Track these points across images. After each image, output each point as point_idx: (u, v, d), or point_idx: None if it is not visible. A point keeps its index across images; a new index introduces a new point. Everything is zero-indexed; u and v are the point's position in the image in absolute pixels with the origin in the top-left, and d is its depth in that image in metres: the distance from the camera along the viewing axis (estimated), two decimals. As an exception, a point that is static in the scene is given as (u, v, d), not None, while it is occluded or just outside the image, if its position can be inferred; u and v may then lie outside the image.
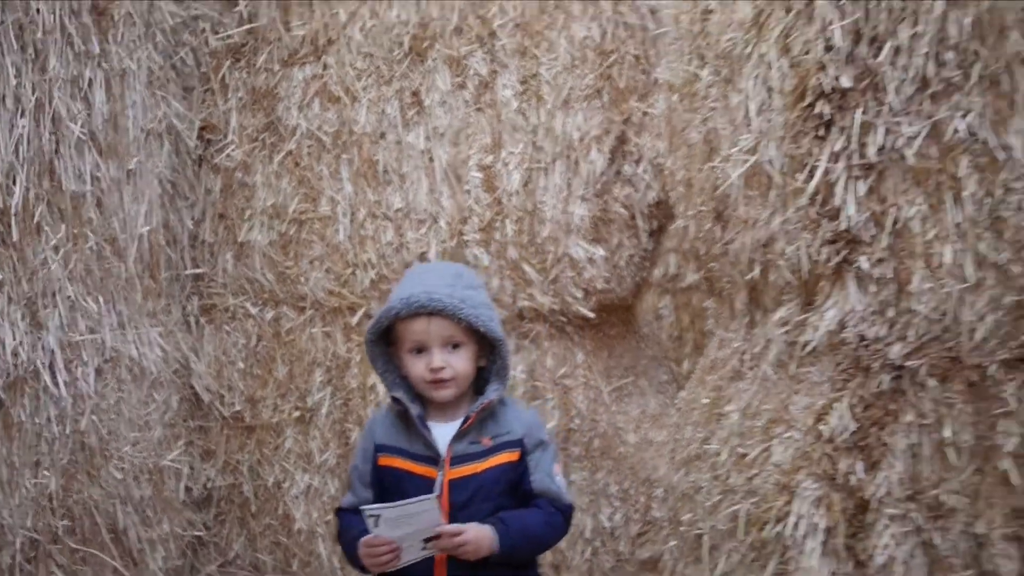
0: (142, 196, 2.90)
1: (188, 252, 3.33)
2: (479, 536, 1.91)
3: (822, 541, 2.06)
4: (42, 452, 2.18)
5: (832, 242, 2.07)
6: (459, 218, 3.30)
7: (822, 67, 2.01)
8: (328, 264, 3.28)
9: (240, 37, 3.34)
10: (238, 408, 3.32)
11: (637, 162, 3.38)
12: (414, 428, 2.03)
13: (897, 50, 1.96)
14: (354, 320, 3.31)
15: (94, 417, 2.45)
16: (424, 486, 1.96)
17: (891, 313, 2.02)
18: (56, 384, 2.24)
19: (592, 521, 3.35)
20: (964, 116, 1.97)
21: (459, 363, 2.00)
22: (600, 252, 3.35)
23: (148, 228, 2.92)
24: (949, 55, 1.96)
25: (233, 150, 3.35)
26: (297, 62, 3.35)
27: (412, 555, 1.88)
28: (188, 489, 3.17)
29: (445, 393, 2.02)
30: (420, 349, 1.99)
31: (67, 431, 2.30)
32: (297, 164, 3.34)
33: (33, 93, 2.17)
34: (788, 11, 2.08)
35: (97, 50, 2.53)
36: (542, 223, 3.30)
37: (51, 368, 2.24)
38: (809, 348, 2.19)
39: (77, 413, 2.36)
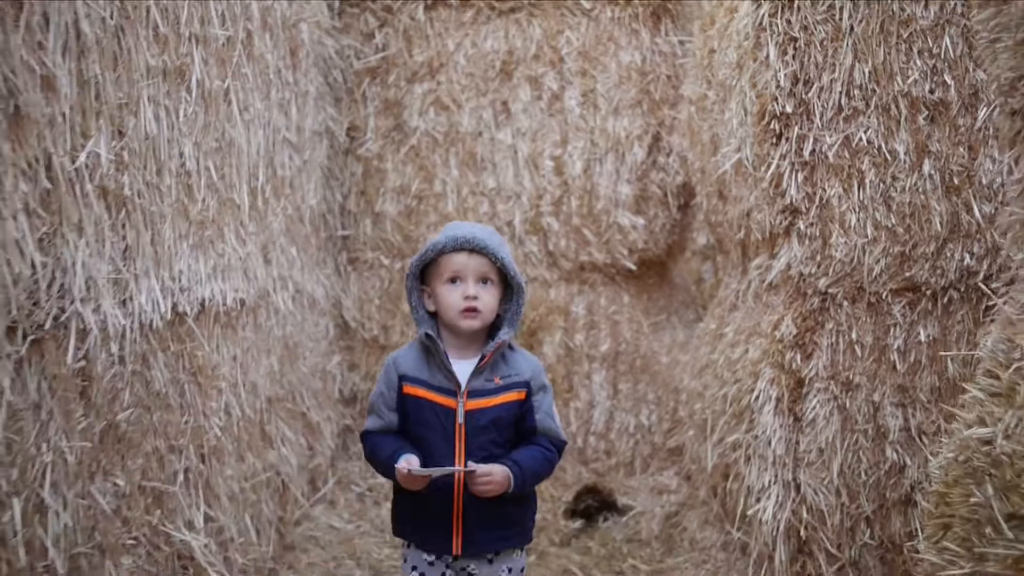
0: (310, 178, 3.84)
1: (339, 219, 4.30)
2: (503, 477, 2.06)
3: (774, 406, 2.99)
4: (270, 344, 3.20)
5: (782, 212, 2.97)
6: (536, 195, 4.24)
7: (775, 98, 2.91)
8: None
9: (376, 62, 4.27)
10: (375, 332, 4.27)
11: (668, 155, 4.27)
12: (435, 362, 2.14)
13: (821, 89, 2.88)
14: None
15: (290, 328, 3.49)
16: (443, 414, 2.11)
17: (819, 258, 2.93)
18: (276, 301, 3.30)
19: (634, 420, 4.29)
20: (866, 131, 2.87)
21: (488, 297, 2.13)
22: (641, 221, 4.28)
23: (315, 201, 3.95)
24: (855, 92, 2.89)
25: (371, 145, 4.28)
26: (417, 80, 4.27)
27: (438, 475, 2.04)
28: (340, 391, 4.21)
29: (473, 323, 2.13)
30: (455, 279, 2.12)
31: (279, 334, 3.35)
32: (418, 155, 4.28)
33: (265, 113, 3.20)
34: (755, 60, 3.02)
35: (291, 79, 3.54)
36: (597, 199, 4.24)
37: (273, 291, 3.29)
38: (771, 283, 3.17)
39: (283, 323, 3.41)
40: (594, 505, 3.91)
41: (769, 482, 2.97)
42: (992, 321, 1.71)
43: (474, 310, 2.12)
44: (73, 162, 1.77)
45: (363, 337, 4.29)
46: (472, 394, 2.12)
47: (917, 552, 1.61)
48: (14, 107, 1.55)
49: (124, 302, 2.03)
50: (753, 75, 3.05)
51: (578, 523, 3.83)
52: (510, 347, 2.20)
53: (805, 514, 2.92)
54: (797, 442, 2.98)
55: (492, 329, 2.19)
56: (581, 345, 4.27)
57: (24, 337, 1.64)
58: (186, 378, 2.43)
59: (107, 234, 1.94)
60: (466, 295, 2.11)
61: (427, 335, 2.13)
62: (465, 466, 2.04)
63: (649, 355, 4.33)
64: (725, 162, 3.32)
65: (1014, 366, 1.49)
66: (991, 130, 2.86)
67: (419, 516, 2.15)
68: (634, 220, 4.26)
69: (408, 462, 2.02)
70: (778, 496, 2.95)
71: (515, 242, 4.26)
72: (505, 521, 2.16)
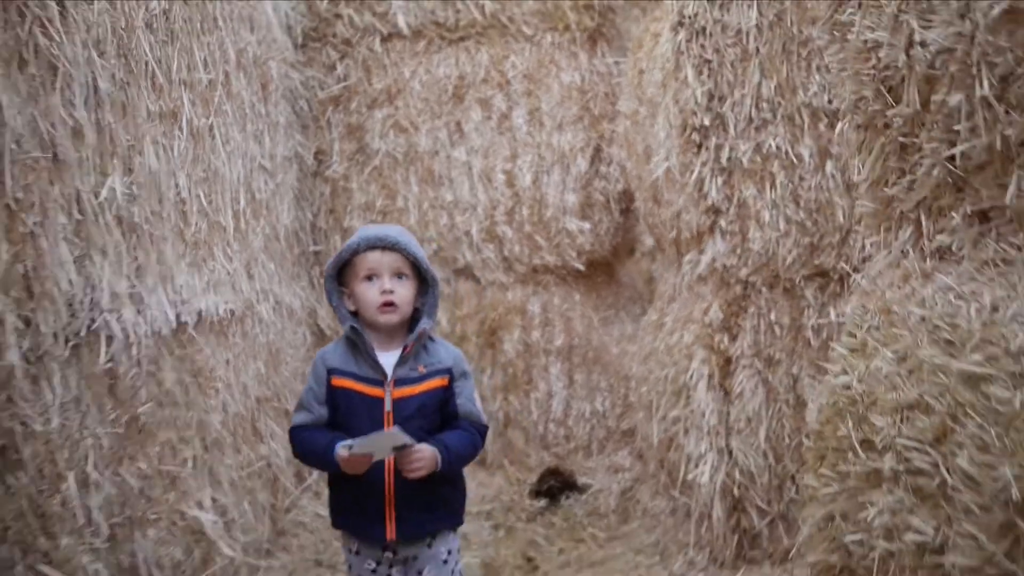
0: (283, 200, 4.16)
1: (310, 236, 4.61)
2: (431, 455, 2.13)
3: (707, 383, 3.34)
4: (256, 350, 3.51)
5: (706, 212, 3.32)
6: (491, 206, 4.57)
7: (694, 113, 3.29)
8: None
9: (338, 91, 4.59)
10: (348, 339, 4.64)
11: (609, 164, 4.62)
12: (362, 355, 2.20)
13: (734, 103, 3.24)
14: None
15: (272, 335, 3.81)
16: (372, 404, 2.16)
17: (739, 251, 3.30)
18: (259, 312, 3.63)
19: (590, 406, 4.63)
20: (774, 139, 3.22)
21: (403, 291, 2.19)
22: (587, 226, 4.63)
23: (288, 220, 4.27)
24: (764, 105, 3.25)
25: (337, 167, 4.60)
26: (377, 106, 4.59)
27: (381, 456, 2.11)
28: (319, 393, 4.52)
29: (391, 317, 2.19)
30: (371, 276, 2.18)
31: (264, 341, 3.67)
32: (380, 174, 4.60)
33: (243, 144, 3.52)
34: (676, 80, 3.39)
35: (264, 111, 3.87)
36: (547, 207, 4.58)
37: (257, 302, 3.60)
38: (700, 275, 3.54)
39: (267, 331, 3.73)
40: (556, 485, 4.24)
41: (705, 450, 3.33)
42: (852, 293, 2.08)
43: (391, 304, 2.17)
44: (96, 197, 2.10)
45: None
46: (398, 382, 2.18)
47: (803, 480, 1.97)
48: (53, 154, 1.88)
49: (139, 313, 2.36)
50: (675, 93, 3.42)
51: (542, 502, 4.16)
52: (431, 338, 2.27)
53: (738, 475, 3.27)
54: (728, 413, 3.34)
55: (412, 323, 2.25)
56: (538, 341, 4.62)
57: (66, 342, 1.97)
58: (189, 379, 2.75)
59: (124, 256, 2.27)
60: (383, 289, 2.17)
61: (352, 328, 2.20)
62: (387, 431, 2.10)
63: (600, 347, 4.68)
64: (657, 170, 3.68)
65: (866, 326, 1.86)
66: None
67: (354, 505, 2.21)
68: (581, 225, 4.61)
69: (348, 448, 2.07)
70: (713, 461, 3.31)
71: (473, 250, 4.60)
72: (437, 503, 2.22)
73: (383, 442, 2.07)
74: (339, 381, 2.19)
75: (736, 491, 3.28)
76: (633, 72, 4.04)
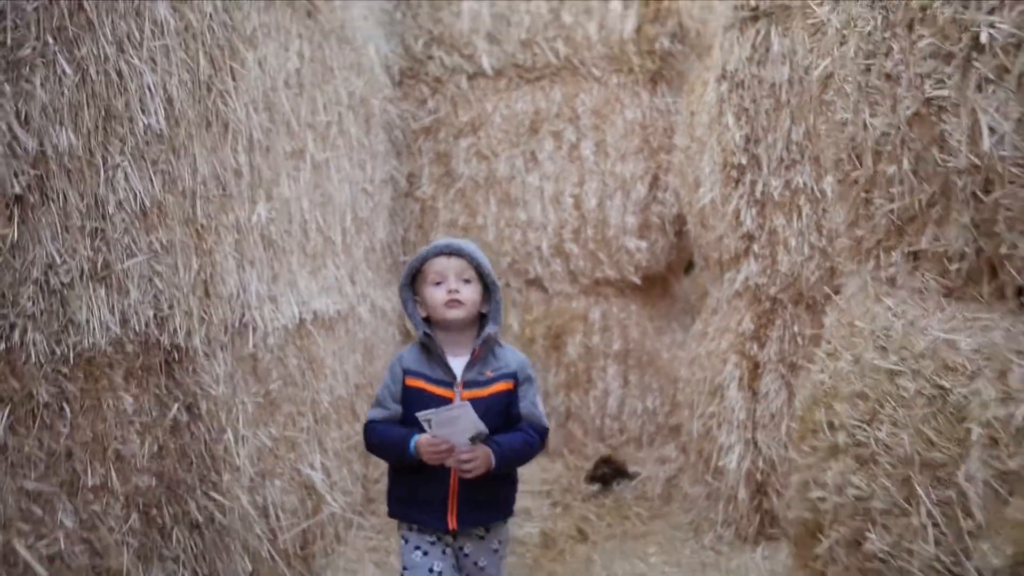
0: (379, 217, 4.77)
1: (401, 248, 5.22)
2: (485, 455, 2.21)
3: (737, 383, 3.86)
4: (355, 345, 4.13)
5: (742, 238, 3.84)
6: (559, 226, 5.11)
7: (734, 152, 3.83)
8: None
9: (429, 122, 5.17)
10: (432, 339, 5.22)
11: (665, 191, 5.11)
12: (435, 358, 2.31)
13: (767, 145, 3.76)
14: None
15: (368, 333, 4.41)
16: (441, 404, 2.21)
17: (769, 272, 3.81)
18: (359, 313, 4.22)
19: (641, 404, 5.12)
20: (801, 176, 3.75)
21: (468, 292, 2.30)
22: (644, 245, 5.12)
23: (383, 234, 4.87)
24: (793, 147, 3.74)
25: (425, 188, 5.17)
26: (462, 136, 5.17)
27: (459, 444, 2.19)
28: (405, 385, 5.11)
29: (458, 313, 2.29)
30: (439, 281, 2.30)
31: (361, 337, 4.26)
32: (463, 196, 5.17)
33: (350, 171, 4.12)
34: (719, 123, 3.91)
35: (366, 143, 4.47)
36: (609, 228, 5.09)
37: (357, 304, 4.21)
38: (736, 291, 4.04)
39: (364, 329, 4.32)
40: (609, 472, 4.73)
41: (734, 441, 3.82)
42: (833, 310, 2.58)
43: (457, 301, 2.28)
44: (249, 221, 2.70)
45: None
46: (467, 385, 2.28)
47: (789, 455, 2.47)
48: (223, 190, 2.48)
49: (274, 311, 2.96)
50: (718, 135, 3.93)
51: (596, 487, 4.66)
52: (499, 344, 2.37)
53: (761, 463, 3.76)
54: (755, 410, 3.82)
55: (480, 330, 2.35)
56: (598, 345, 5.15)
57: (226, 331, 2.57)
58: (305, 365, 3.35)
59: (264, 266, 2.87)
60: (449, 289, 2.29)
61: (425, 334, 2.32)
62: (459, 402, 2.21)
63: (653, 352, 5.19)
64: (703, 199, 4.19)
65: (838, 336, 2.36)
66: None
67: (417, 496, 2.31)
68: (639, 244, 5.12)
69: (428, 422, 2.16)
70: (741, 451, 3.80)
71: (543, 263, 5.15)
72: (495, 498, 2.35)
73: (460, 424, 2.16)
74: (412, 381, 2.32)
75: (759, 476, 3.77)
76: (686, 112, 4.55)
